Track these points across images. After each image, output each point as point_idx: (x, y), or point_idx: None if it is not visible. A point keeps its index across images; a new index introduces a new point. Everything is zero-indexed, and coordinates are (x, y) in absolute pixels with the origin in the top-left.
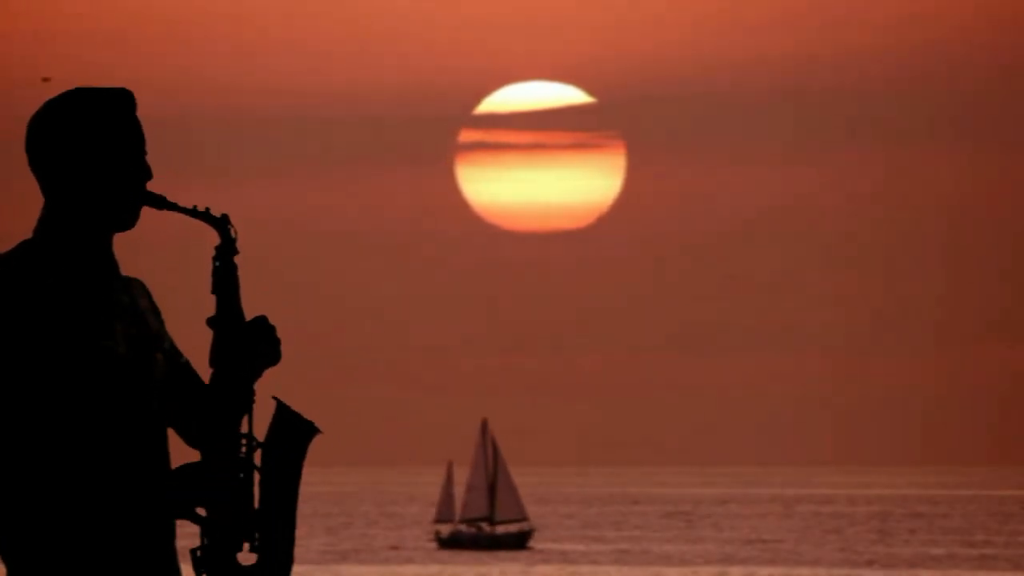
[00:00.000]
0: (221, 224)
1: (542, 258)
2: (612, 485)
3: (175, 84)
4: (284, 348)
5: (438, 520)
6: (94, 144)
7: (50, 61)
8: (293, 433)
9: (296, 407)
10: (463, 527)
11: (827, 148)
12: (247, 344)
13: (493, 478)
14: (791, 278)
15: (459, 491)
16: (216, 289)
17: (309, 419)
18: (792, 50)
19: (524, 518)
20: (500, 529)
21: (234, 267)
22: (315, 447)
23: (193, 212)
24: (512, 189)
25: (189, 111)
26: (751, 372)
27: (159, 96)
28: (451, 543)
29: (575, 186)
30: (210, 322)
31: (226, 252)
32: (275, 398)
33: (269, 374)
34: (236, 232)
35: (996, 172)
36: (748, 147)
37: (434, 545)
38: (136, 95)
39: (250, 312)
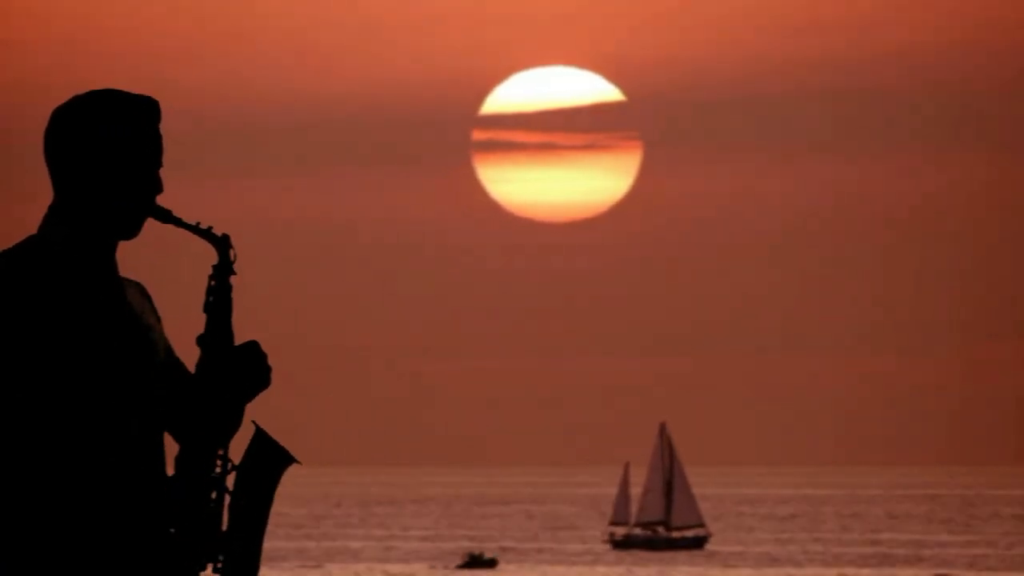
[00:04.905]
0: (222, 244)
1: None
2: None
3: (198, 91)
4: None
5: (614, 522)
6: (112, 148)
7: (31, 68)
8: (269, 460)
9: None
10: (638, 530)
11: (855, 151)
12: (233, 368)
13: (670, 481)
14: (816, 280)
15: (636, 493)
16: (208, 308)
17: (285, 448)
18: (821, 52)
19: (700, 524)
20: (675, 534)
21: (229, 288)
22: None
23: (195, 229)
24: (552, 186)
25: (211, 116)
26: (770, 372)
27: (178, 103)
28: (625, 545)
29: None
30: (199, 341)
31: (223, 272)
32: (254, 423)
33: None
34: (235, 254)
35: (1022, 172)
36: (770, 150)
37: (608, 547)
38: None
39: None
